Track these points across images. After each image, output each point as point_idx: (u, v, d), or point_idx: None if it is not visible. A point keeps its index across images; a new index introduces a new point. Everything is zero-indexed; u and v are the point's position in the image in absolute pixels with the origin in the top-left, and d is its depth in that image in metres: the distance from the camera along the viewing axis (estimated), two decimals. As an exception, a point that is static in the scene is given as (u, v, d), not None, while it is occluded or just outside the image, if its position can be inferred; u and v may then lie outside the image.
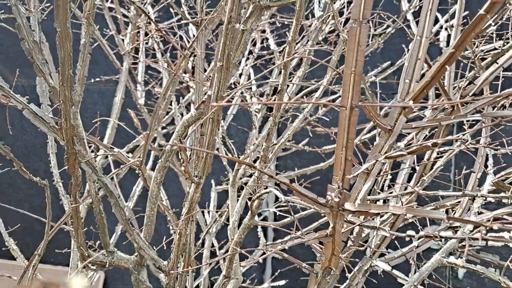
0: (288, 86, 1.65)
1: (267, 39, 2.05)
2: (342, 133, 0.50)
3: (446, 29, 1.47)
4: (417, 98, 0.60)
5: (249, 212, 0.96)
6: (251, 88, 1.95)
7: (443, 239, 1.49)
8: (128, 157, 1.35)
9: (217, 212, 1.68)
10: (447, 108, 0.93)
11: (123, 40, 1.91)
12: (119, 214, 0.93)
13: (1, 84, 0.76)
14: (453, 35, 0.86)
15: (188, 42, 1.74)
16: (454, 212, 1.12)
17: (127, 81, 1.84)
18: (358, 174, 0.72)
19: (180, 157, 1.21)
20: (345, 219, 0.70)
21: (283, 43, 2.01)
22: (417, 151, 0.64)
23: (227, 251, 1.81)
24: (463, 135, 0.72)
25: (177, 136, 0.94)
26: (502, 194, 0.78)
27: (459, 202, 1.19)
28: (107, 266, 1.03)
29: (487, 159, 0.98)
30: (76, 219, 0.90)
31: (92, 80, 2.00)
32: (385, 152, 0.64)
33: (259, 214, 2.45)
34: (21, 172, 0.88)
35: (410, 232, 0.60)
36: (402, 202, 0.98)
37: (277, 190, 0.79)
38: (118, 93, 1.80)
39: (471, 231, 0.82)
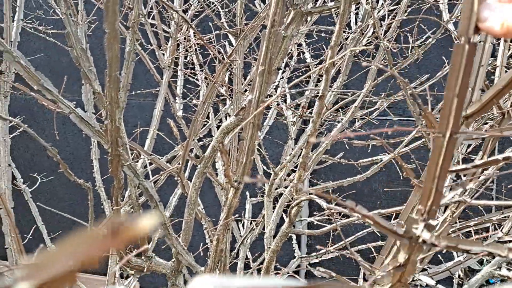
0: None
1: (303, 52, 2.06)
2: (435, 161, 0.45)
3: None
4: (485, 108, 0.57)
5: (287, 220, 0.95)
6: (286, 100, 1.95)
7: (489, 257, 1.42)
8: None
9: (252, 222, 1.67)
10: (496, 117, 0.89)
11: (163, 54, 1.97)
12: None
13: (50, 88, 0.80)
14: None
15: (226, 55, 1.77)
16: (501, 227, 1.06)
17: (166, 93, 1.88)
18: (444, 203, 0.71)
19: (222, 161, 1.22)
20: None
21: (319, 56, 2.01)
22: (482, 166, 0.61)
23: (261, 262, 1.80)
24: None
25: (216, 142, 0.95)
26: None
27: (505, 217, 1.13)
28: (144, 270, 1.04)
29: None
30: (117, 222, 0.91)
31: (134, 93, 2.06)
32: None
33: (293, 227, 2.41)
34: (67, 174, 0.91)
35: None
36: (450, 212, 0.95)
37: (318, 197, 0.78)
38: (157, 104, 1.84)
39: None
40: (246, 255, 1.90)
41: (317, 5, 0.86)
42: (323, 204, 0.73)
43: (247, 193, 2.04)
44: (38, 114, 2.95)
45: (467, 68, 0.39)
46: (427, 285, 0.99)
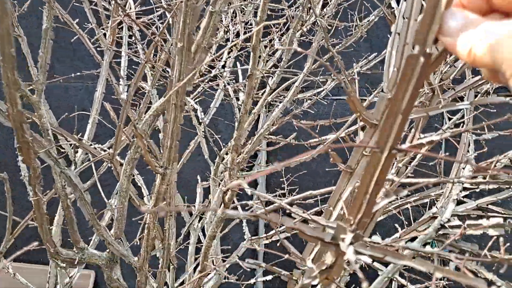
0: (272, 77, 1.62)
1: (250, 30, 2.01)
2: (369, 177, 0.40)
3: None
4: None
5: (222, 205, 0.92)
6: (236, 80, 1.91)
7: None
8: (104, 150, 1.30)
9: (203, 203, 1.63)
10: (427, 93, 0.89)
11: (104, 34, 1.87)
12: (85, 209, 0.89)
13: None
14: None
15: (168, 33, 1.70)
16: (437, 202, 1.08)
17: (108, 75, 1.79)
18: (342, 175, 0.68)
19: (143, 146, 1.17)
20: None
21: (268, 35, 1.97)
22: (408, 150, 0.59)
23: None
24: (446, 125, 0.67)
25: (146, 125, 0.89)
26: (480, 179, 0.74)
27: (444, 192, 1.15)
28: (76, 263, 0.98)
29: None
30: (39, 214, 0.85)
31: (72, 75, 1.96)
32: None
33: (249, 209, 2.39)
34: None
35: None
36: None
37: (247, 186, 0.75)
38: (98, 87, 1.75)
39: (449, 220, 0.78)
40: (200, 240, 1.87)
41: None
42: (249, 191, 0.70)
43: (198, 177, 2.00)
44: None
45: (418, 83, 0.33)
46: (365, 264, 0.99)
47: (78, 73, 1.98)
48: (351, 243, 0.42)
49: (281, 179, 2.27)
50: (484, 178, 0.74)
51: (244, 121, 0.83)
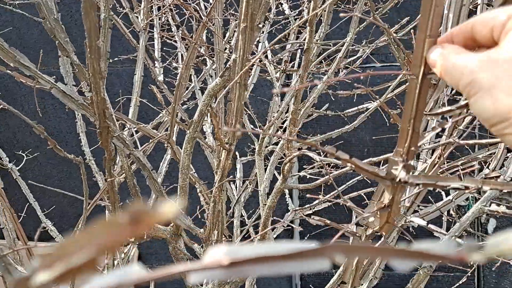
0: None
1: (281, 4, 2.01)
2: (410, 103, 0.45)
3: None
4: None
5: (281, 176, 0.96)
6: (267, 56, 1.93)
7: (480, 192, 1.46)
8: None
9: (245, 181, 1.69)
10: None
11: (137, 17, 1.90)
12: (153, 186, 0.95)
13: (27, 64, 0.77)
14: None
15: (203, 13, 1.72)
16: (488, 163, 1.09)
17: (145, 58, 1.83)
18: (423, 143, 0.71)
19: (211, 124, 1.21)
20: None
21: (297, 7, 1.97)
22: (466, 106, 0.62)
23: (257, 219, 1.84)
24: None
25: (203, 106, 0.94)
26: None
27: (491, 154, 1.16)
28: (144, 237, 1.05)
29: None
30: (112, 194, 0.91)
31: (111, 60, 2.00)
32: (430, 108, 0.62)
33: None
34: (56, 150, 0.89)
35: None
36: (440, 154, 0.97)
37: (309, 152, 0.79)
38: (137, 70, 1.80)
39: None
40: (241, 213, 1.94)
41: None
42: (316, 157, 0.74)
43: (237, 152, 2.05)
44: (14, 90, 2.86)
45: (438, 8, 0.39)
46: (418, 226, 1.03)
47: (116, 58, 2.03)
48: (404, 172, 0.46)
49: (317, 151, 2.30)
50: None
51: (300, 95, 0.86)
